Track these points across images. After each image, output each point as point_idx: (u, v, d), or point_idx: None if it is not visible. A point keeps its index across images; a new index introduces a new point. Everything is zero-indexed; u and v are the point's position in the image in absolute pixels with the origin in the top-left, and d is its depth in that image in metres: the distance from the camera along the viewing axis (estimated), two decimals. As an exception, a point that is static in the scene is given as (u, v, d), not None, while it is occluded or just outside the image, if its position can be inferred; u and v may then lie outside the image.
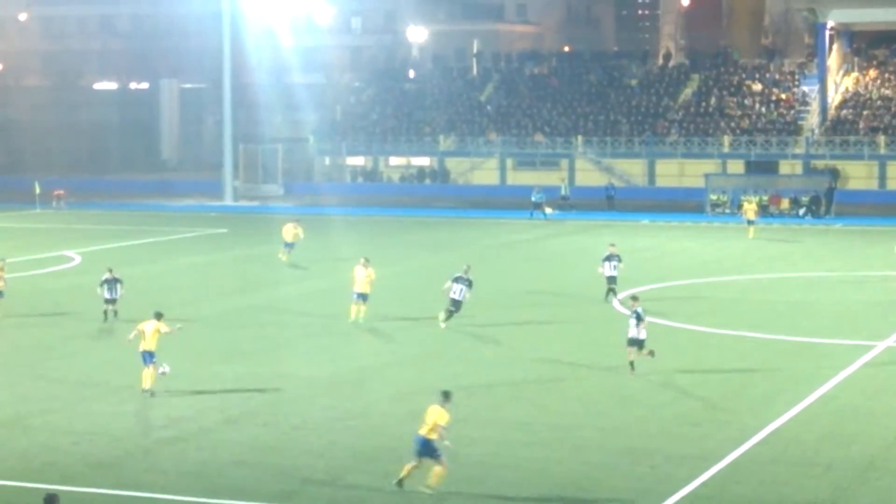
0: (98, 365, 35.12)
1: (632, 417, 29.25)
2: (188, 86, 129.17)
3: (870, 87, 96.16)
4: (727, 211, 78.83)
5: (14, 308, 43.70)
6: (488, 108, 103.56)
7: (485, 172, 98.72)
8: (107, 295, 40.82)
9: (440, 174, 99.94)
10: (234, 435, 27.82)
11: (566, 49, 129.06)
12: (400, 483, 23.78)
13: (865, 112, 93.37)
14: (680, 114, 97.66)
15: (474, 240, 66.67)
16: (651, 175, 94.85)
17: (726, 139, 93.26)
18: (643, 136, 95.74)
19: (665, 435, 27.74)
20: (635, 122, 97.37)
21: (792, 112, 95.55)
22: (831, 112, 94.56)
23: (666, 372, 33.68)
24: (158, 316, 31.81)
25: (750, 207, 67.62)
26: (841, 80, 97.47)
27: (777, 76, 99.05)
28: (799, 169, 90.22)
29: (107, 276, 41.06)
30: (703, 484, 24.34)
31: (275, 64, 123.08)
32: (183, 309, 42.57)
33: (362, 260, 41.24)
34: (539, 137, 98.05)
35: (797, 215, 78.26)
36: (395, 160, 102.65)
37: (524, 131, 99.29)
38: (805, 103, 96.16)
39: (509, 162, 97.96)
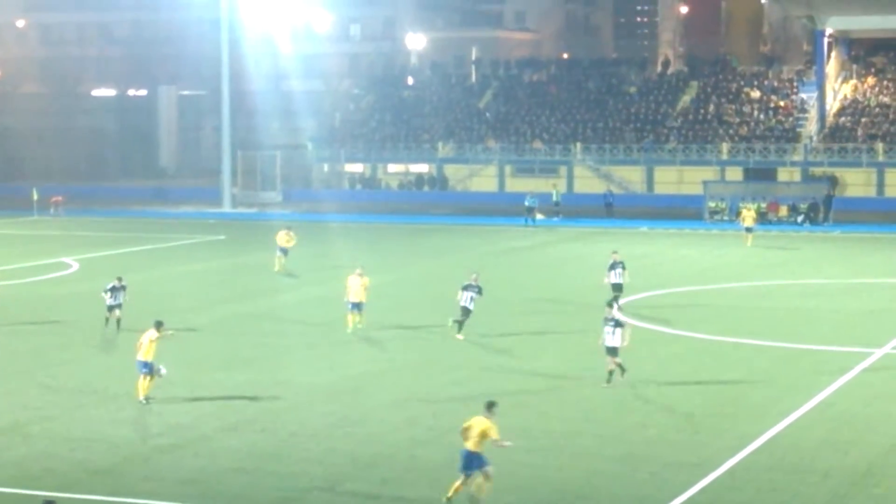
0: (96, 372, 35.10)
1: (630, 424, 29.25)
2: (186, 92, 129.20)
3: (868, 94, 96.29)
4: (726, 218, 78.86)
5: (12, 315, 43.70)
6: (487, 115, 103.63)
7: (483, 179, 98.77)
8: (110, 301, 40.66)
9: (439, 181, 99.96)
10: (233, 442, 27.81)
11: (565, 56, 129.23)
12: (448, 502, 23.28)
13: (864, 119, 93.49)
14: (678, 121, 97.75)
15: (473, 247, 66.65)
16: (650, 182, 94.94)
17: (725, 146, 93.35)
18: (642, 143, 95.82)
19: (663, 442, 27.75)
20: (634, 130, 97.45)
21: (790, 119, 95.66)
22: (829, 119, 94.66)
23: (664, 379, 33.69)
24: (158, 325, 31.76)
25: (748, 214, 67.63)
26: (839, 88, 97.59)
27: (775, 83, 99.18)
28: (797, 176, 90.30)
29: (114, 283, 40.85)
30: (702, 491, 24.35)
31: (273, 71, 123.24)
32: (181, 316, 42.57)
33: (358, 270, 41.16)
34: (537, 144, 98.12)
35: (795, 222, 78.27)
36: (393, 167, 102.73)
37: (523, 138, 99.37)
38: (803, 110, 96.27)
39: (508, 169, 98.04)
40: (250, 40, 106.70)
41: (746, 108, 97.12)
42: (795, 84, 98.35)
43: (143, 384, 31.08)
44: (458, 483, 23.23)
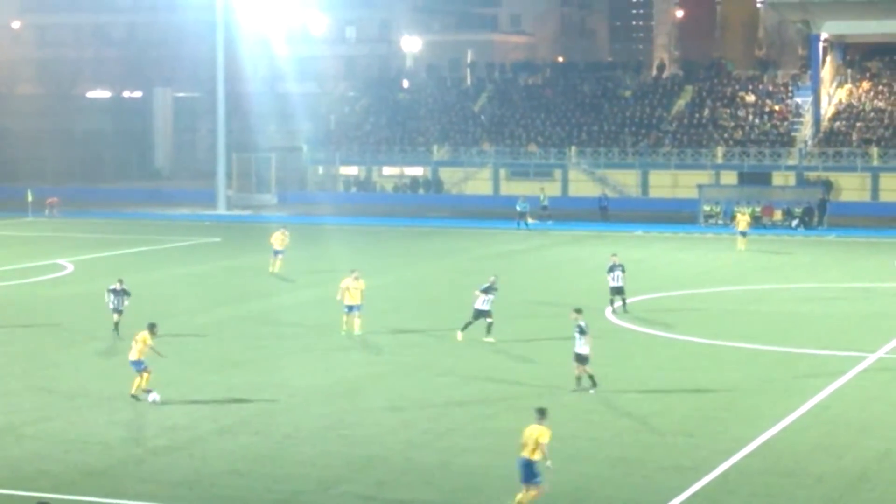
0: (91, 374, 35.11)
1: (624, 428, 29.27)
2: (182, 94, 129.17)
3: (863, 98, 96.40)
4: (720, 222, 78.91)
5: (6, 317, 43.66)
6: (482, 118, 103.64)
7: (478, 182, 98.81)
8: (111, 305, 40.43)
9: (434, 184, 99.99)
10: (227, 444, 27.81)
11: (560, 59, 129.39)
12: None
13: (858, 124, 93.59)
14: (673, 125, 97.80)
15: (467, 250, 66.68)
16: (644, 186, 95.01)
17: (720, 150, 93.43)
18: (637, 146, 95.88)
19: (658, 445, 27.78)
20: (629, 133, 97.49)
21: (785, 123, 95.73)
22: (824, 124, 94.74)
23: (658, 383, 33.73)
24: (151, 328, 31.79)
25: (743, 219, 67.68)
26: (834, 92, 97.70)
27: (770, 88, 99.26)
28: (792, 180, 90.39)
29: (115, 286, 40.63)
30: (695, 494, 24.38)
31: (269, 73, 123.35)
32: (176, 318, 42.57)
33: (354, 273, 41.07)
34: (532, 148, 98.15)
35: (790, 227, 78.32)
36: (388, 170, 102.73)
37: (518, 141, 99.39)
38: (798, 115, 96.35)
39: (503, 172, 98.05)
40: (246, 42, 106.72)
41: (741, 113, 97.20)
42: (790, 88, 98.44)
43: (136, 381, 31.19)
44: (520, 495, 23.18)
